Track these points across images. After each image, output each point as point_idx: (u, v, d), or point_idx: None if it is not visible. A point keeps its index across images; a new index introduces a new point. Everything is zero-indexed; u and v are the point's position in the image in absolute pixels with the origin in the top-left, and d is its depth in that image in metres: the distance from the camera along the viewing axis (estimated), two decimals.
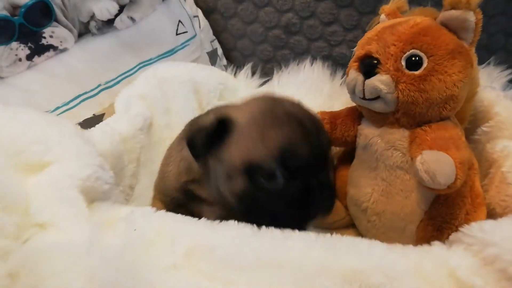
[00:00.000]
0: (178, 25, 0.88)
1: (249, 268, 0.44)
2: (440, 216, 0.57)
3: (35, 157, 0.45)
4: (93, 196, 0.48)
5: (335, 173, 0.75)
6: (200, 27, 0.97)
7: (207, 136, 0.50)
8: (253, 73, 1.00)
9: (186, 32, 0.91)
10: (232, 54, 1.11)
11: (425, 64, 0.53)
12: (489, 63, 0.86)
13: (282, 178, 0.47)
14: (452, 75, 0.53)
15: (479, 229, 0.42)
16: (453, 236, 0.45)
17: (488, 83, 0.79)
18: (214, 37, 1.05)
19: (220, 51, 1.06)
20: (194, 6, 0.99)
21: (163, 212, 0.49)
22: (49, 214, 0.41)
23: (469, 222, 0.50)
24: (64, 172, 0.44)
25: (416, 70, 0.54)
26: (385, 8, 0.64)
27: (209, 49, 1.00)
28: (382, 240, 0.49)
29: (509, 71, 0.84)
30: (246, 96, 0.59)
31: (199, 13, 1.00)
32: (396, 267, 0.41)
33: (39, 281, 0.37)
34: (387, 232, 0.61)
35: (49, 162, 0.45)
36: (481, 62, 0.90)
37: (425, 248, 0.45)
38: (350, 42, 1.00)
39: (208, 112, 0.59)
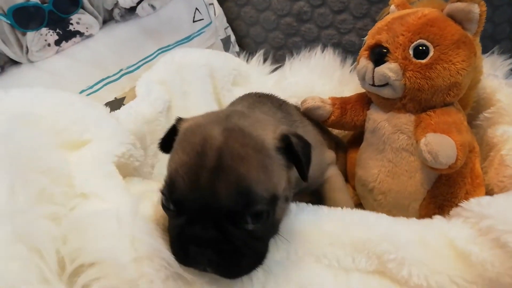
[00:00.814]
0: (195, 13, 0.91)
1: None
2: (442, 194, 0.61)
3: (75, 135, 0.49)
4: (126, 172, 0.52)
5: (347, 156, 0.79)
6: (215, 14, 1.00)
7: (165, 135, 0.47)
8: (264, 60, 1.02)
9: (202, 19, 0.93)
10: (244, 41, 1.13)
11: (431, 53, 0.57)
12: (493, 52, 0.89)
13: (172, 206, 0.41)
14: (456, 63, 0.57)
15: (477, 204, 0.46)
16: (453, 211, 0.49)
17: (492, 71, 0.82)
18: (228, 25, 1.07)
19: (233, 38, 1.08)
20: None
21: None
22: (91, 186, 0.45)
23: (468, 200, 0.55)
24: (102, 149, 0.49)
25: (423, 59, 0.57)
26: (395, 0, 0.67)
27: (223, 36, 1.03)
28: None
29: (511, 60, 0.87)
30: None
31: (214, 1, 1.02)
32: (400, 237, 0.46)
33: (85, 243, 0.42)
34: (392, 210, 0.65)
35: (88, 140, 0.49)
36: (486, 51, 0.93)
37: (427, 221, 0.50)
38: (359, 30, 1.03)
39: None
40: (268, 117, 0.52)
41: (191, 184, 0.39)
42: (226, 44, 1.04)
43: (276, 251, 0.47)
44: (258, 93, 0.67)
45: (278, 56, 1.08)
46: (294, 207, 0.51)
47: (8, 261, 0.35)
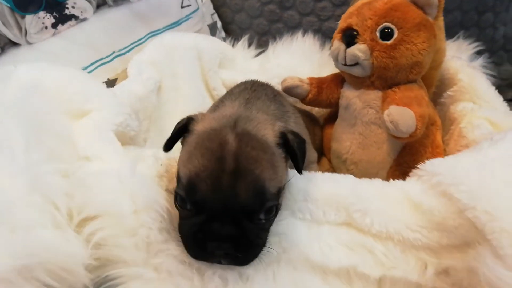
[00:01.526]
0: None
1: None
2: (406, 162, 0.68)
3: (78, 105, 0.54)
4: (123, 141, 0.58)
5: (322, 132, 0.87)
6: (202, 1, 1.05)
7: (174, 132, 0.50)
8: (249, 45, 1.08)
9: (190, 5, 0.98)
10: (230, 27, 1.18)
11: (395, 35, 0.63)
12: (458, 37, 0.97)
13: (190, 206, 0.45)
14: (418, 44, 0.63)
15: (430, 164, 0.54)
16: (411, 172, 0.57)
17: (458, 54, 0.90)
18: (214, 11, 1.12)
19: (219, 24, 1.13)
20: None
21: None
22: (93, 149, 0.51)
23: None
24: (102, 118, 0.54)
25: (388, 40, 0.64)
26: None
27: (210, 21, 1.08)
28: None
29: (475, 44, 0.94)
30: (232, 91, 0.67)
31: None
32: (365, 191, 0.53)
33: (90, 198, 0.48)
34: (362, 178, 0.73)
35: (89, 110, 0.55)
36: (453, 36, 1.01)
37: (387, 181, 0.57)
38: (338, 17, 1.05)
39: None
40: (266, 115, 0.57)
41: (213, 187, 0.43)
42: (212, 30, 1.09)
43: None
44: (253, 83, 0.69)
45: (262, 41, 1.14)
46: None
47: (26, 207, 0.41)
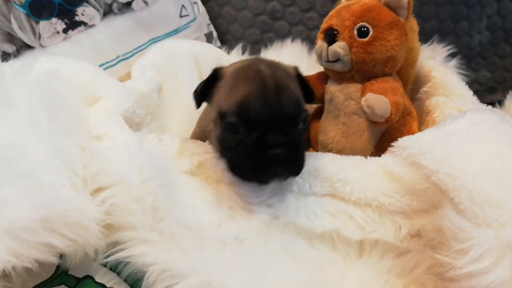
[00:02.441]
0: (181, 9, 1.04)
1: None
2: (385, 148, 0.71)
3: (90, 93, 0.61)
4: (130, 125, 0.64)
5: (310, 126, 0.93)
6: (199, 11, 1.14)
7: (203, 83, 0.61)
8: (243, 52, 1.17)
9: (188, 15, 1.07)
10: (225, 37, 1.27)
11: (371, 33, 0.71)
12: (433, 41, 1.06)
13: (243, 129, 0.53)
14: (390, 40, 0.71)
15: (401, 141, 0.60)
16: (387, 150, 0.64)
17: (432, 56, 0.99)
18: (210, 22, 1.21)
19: (215, 34, 1.22)
20: None
21: (182, 136, 0.67)
22: (104, 130, 0.57)
23: None
24: (111, 103, 0.61)
25: (365, 37, 0.71)
26: None
27: (206, 31, 1.17)
28: None
29: (448, 47, 1.03)
30: None
31: (198, 0, 1.16)
32: (345, 163, 0.59)
33: (102, 169, 0.54)
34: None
35: (100, 97, 0.62)
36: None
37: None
38: None
39: None
40: None
41: (263, 103, 0.53)
42: (209, 39, 1.18)
43: None
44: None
45: (254, 49, 1.21)
46: None
47: (49, 170, 0.47)
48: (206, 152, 0.63)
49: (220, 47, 1.23)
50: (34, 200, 0.43)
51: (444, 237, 0.51)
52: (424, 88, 0.87)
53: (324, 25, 0.78)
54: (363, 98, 0.67)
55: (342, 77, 0.77)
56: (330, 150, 0.81)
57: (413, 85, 0.89)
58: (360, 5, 0.73)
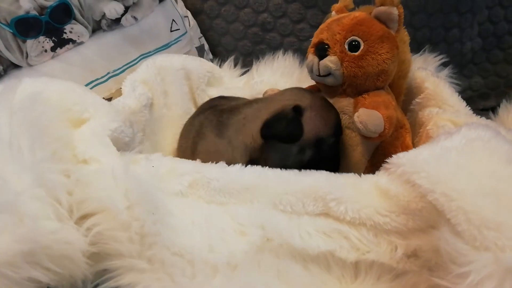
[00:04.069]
0: (172, 23, 1.04)
1: (236, 192, 0.59)
2: (379, 163, 0.70)
3: (77, 115, 0.59)
4: (118, 146, 0.63)
5: None
6: (189, 25, 1.13)
7: (289, 121, 0.65)
8: (235, 65, 1.16)
9: (179, 29, 1.06)
10: (217, 49, 1.26)
11: (362, 47, 0.70)
12: (424, 51, 1.06)
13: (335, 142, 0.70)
14: (382, 54, 0.70)
15: (395, 158, 0.59)
16: (382, 167, 0.62)
17: (424, 66, 0.98)
18: (201, 35, 1.20)
19: (206, 46, 1.21)
20: (184, 8, 1.14)
21: (171, 156, 0.65)
22: (91, 153, 0.55)
23: None
24: (98, 124, 0.59)
25: (356, 51, 0.70)
26: (335, 6, 0.82)
27: (198, 44, 1.16)
28: None
29: (440, 57, 1.03)
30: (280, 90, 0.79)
31: (189, 14, 1.15)
32: (338, 182, 0.58)
33: (89, 195, 0.52)
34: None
35: (87, 118, 0.60)
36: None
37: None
38: None
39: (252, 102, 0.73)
40: None
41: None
42: (200, 52, 1.17)
43: (243, 201, 0.59)
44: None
45: (246, 61, 1.21)
46: (256, 168, 0.63)
47: (32, 200, 0.45)
48: (197, 171, 0.62)
49: (212, 60, 1.22)
50: (15, 233, 0.42)
51: (441, 258, 0.49)
52: (417, 100, 0.87)
53: (314, 39, 0.77)
54: (356, 114, 0.66)
55: (334, 91, 0.76)
56: None
57: (406, 96, 0.88)
58: (350, 19, 0.73)
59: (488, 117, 1.07)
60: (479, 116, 0.79)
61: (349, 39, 0.71)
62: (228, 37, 1.22)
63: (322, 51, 0.73)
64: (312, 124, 0.67)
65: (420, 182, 0.52)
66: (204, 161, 0.66)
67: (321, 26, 0.77)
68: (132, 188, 0.53)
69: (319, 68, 0.73)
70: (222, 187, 0.60)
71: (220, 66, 1.16)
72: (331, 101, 0.77)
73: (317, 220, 0.58)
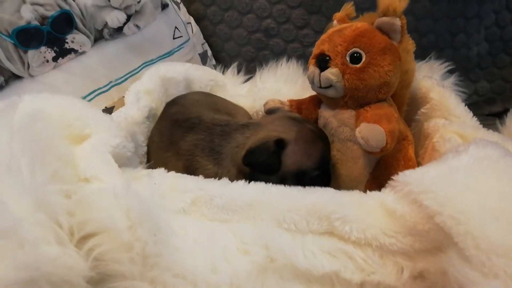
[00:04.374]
0: (174, 31, 1.03)
1: (240, 209, 0.58)
2: (381, 176, 0.71)
3: (78, 130, 0.59)
4: (120, 161, 0.62)
5: None
6: (192, 32, 1.12)
7: (269, 154, 0.66)
8: (238, 71, 1.15)
9: (181, 36, 1.05)
10: (220, 55, 1.25)
11: (363, 59, 0.68)
12: (430, 58, 1.04)
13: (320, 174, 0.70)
14: (384, 66, 0.68)
15: (402, 176, 0.58)
16: (387, 184, 0.61)
17: (429, 74, 0.97)
18: (204, 41, 1.19)
19: (209, 52, 1.20)
20: (187, 14, 1.13)
21: (173, 172, 0.64)
22: (92, 171, 0.55)
23: None
24: (100, 141, 0.59)
25: (358, 63, 0.68)
26: (337, 15, 0.79)
27: (200, 51, 1.15)
28: None
29: (446, 64, 1.02)
30: (265, 116, 0.78)
31: (191, 20, 1.14)
32: (343, 200, 0.57)
33: (90, 215, 0.52)
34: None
35: (88, 134, 0.59)
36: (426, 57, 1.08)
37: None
38: None
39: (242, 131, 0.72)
40: None
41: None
42: (203, 58, 1.16)
43: (246, 218, 0.58)
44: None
45: (250, 67, 1.20)
46: (260, 184, 0.62)
47: (32, 225, 0.45)
48: (199, 188, 0.61)
49: (215, 65, 1.21)
50: (15, 260, 0.41)
51: (449, 281, 0.48)
52: (422, 110, 0.85)
53: (315, 51, 0.75)
54: (357, 129, 0.65)
55: (335, 103, 0.75)
56: None
57: (410, 106, 0.87)
58: (352, 30, 0.71)
59: (494, 125, 1.06)
60: (486, 129, 0.77)
61: (350, 51, 0.69)
62: (231, 43, 1.21)
63: (323, 62, 0.71)
64: (294, 158, 0.68)
65: (427, 203, 0.51)
66: None
67: (322, 37, 0.75)
68: (134, 207, 0.52)
69: (320, 80, 0.72)
70: (225, 204, 0.59)
71: (223, 72, 1.16)
72: (332, 112, 0.76)
73: (322, 239, 0.57)
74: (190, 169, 0.71)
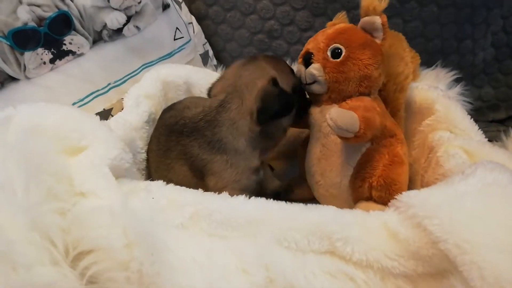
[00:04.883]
0: (175, 32, 1.00)
1: (239, 226, 0.57)
2: (364, 168, 0.73)
3: (74, 142, 0.57)
4: (118, 173, 0.61)
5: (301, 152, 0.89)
6: (194, 32, 1.09)
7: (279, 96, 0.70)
8: None
9: (182, 37, 1.03)
10: (221, 55, 1.23)
11: (343, 53, 0.71)
12: (436, 66, 1.02)
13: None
14: (363, 60, 0.71)
15: (406, 196, 0.57)
16: (390, 203, 0.60)
17: (435, 82, 0.95)
18: (206, 40, 1.17)
19: (211, 53, 1.18)
20: (189, 13, 1.11)
21: (172, 185, 0.63)
22: (89, 185, 0.53)
23: (385, 173, 0.70)
24: (97, 153, 0.57)
25: (338, 58, 0.72)
26: (330, 23, 0.83)
27: (202, 51, 1.13)
28: (326, 197, 0.72)
29: (452, 72, 1.00)
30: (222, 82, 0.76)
31: (193, 19, 1.11)
32: (345, 219, 0.56)
33: (86, 233, 0.50)
34: (329, 189, 0.76)
35: (85, 146, 0.58)
36: (434, 63, 1.06)
37: (366, 212, 0.60)
38: None
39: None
40: None
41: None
42: (204, 59, 1.13)
43: (246, 235, 0.57)
44: None
45: None
46: (261, 200, 0.61)
47: (26, 245, 0.43)
48: (198, 202, 0.60)
49: (216, 66, 1.19)
50: (7, 284, 0.40)
51: None
52: (427, 121, 0.84)
53: (303, 51, 0.79)
54: (328, 114, 0.65)
55: (320, 99, 0.77)
56: (313, 175, 0.79)
57: (415, 116, 0.86)
58: (335, 29, 0.75)
59: (498, 135, 1.05)
60: (491, 143, 0.75)
61: (331, 46, 0.73)
62: (233, 43, 1.19)
63: (307, 59, 0.75)
64: (285, 82, 0.72)
65: (432, 229, 0.50)
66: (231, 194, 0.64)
67: (310, 39, 0.79)
68: (131, 226, 0.51)
69: (305, 76, 0.75)
70: (225, 219, 0.58)
71: None
72: (318, 109, 0.78)
73: (323, 258, 0.56)
74: (198, 169, 0.71)
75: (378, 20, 0.71)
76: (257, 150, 0.73)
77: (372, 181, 0.71)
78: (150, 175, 0.79)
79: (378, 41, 0.73)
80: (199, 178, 0.72)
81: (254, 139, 0.71)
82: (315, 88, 0.75)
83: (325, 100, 0.76)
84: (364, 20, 0.73)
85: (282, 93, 0.70)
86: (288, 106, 0.70)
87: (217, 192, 0.63)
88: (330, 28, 0.77)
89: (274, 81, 0.70)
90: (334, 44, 0.72)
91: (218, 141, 0.70)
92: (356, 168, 0.73)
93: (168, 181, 0.63)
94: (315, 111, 0.78)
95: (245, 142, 0.70)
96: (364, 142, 0.72)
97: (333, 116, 0.64)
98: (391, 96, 0.81)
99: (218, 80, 0.77)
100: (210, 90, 0.79)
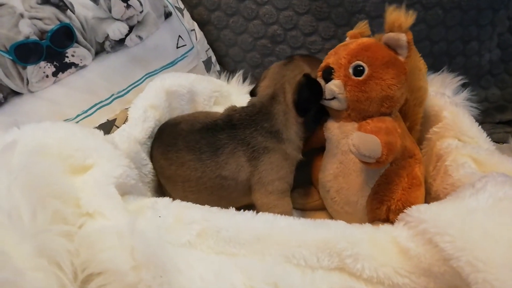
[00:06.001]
0: (178, 40, 0.99)
1: (247, 243, 0.57)
2: (382, 191, 0.71)
3: (79, 161, 0.57)
4: (124, 190, 0.60)
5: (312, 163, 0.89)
6: (196, 39, 1.08)
7: (307, 85, 0.75)
8: (244, 79, 1.12)
9: (185, 45, 1.02)
10: (224, 60, 1.22)
11: (366, 72, 0.68)
12: (443, 71, 1.01)
13: None
14: (386, 80, 0.68)
15: (416, 211, 0.56)
16: (399, 216, 0.59)
17: (442, 88, 0.94)
18: (208, 46, 1.16)
19: (213, 59, 1.17)
20: (191, 20, 1.09)
21: (178, 201, 0.62)
22: (95, 206, 0.53)
23: (404, 197, 0.68)
24: (102, 172, 0.57)
25: (360, 76, 0.69)
26: (350, 32, 0.80)
27: (205, 58, 1.12)
28: (340, 214, 0.70)
29: (459, 77, 0.98)
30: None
31: (195, 26, 1.10)
32: (355, 236, 0.55)
33: (93, 255, 0.50)
34: (344, 207, 0.75)
35: (90, 165, 0.57)
36: (441, 66, 1.04)
37: (376, 226, 0.60)
38: (328, 50, 1.11)
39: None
40: None
41: None
42: (207, 65, 1.12)
43: (254, 252, 0.56)
44: None
45: (256, 73, 1.17)
46: (268, 216, 0.60)
47: (34, 271, 0.43)
48: (205, 219, 0.59)
49: (219, 71, 1.18)
50: None
51: None
52: (434, 129, 0.82)
53: (322, 64, 0.77)
54: (350, 137, 0.64)
55: (339, 115, 0.75)
56: (328, 190, 0.78)
57: (422, 124, 0.84)
58: (357, 44, 0.72)
59: (506, 135, 1.03)
60: (500, 153, 0.74)
61: (353, 63, 0.70)
62: (236, 49, 1.18)
63: (327, 74, 0.73)
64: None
65: (443, 246, 0.49)
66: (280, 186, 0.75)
67: (331, 51, 0.77)
68: (138, 247, 0.51)
69: (325, 91, 0.73)
70: (232, 237, 0.58)
71: (228, 78, 1.13)
72: (337, 124, 0.76)
73: (332, 275, 0.55)
74: (256, 158, 0.74)
75: (403, 37, 0.68)
76: (302, 142, 0.78)
77: (390, 204, 0.70)
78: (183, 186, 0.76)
79: (401, 58, 0.70)
80: (254, 167, 0.74)
81: (300, 129, 0.77)
82: (334, 104, 0.73)
83: (344, 117, 0.74)
84: (389, 36, 0.69)
85: (313, 82, 0.74)
86: (319, 92, 0.74)
87: (267, 185, 0.73)
88: (352, 42, 0.73)
89: (307, 76, 0.75)
90: (357, 61, 0.69)
91: (276, 132, 0.74)
92: (374, 189, 0.71)
93: (221, 179, 0.72)
94: (333, 126, 0.76)
95: (294, 134, 0.76)
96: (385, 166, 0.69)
97: (356, 143, 0.62)
98: (410, 110, 0.79)
99: (261, 81, 0.83)
100: (254, 90, 0.84)
